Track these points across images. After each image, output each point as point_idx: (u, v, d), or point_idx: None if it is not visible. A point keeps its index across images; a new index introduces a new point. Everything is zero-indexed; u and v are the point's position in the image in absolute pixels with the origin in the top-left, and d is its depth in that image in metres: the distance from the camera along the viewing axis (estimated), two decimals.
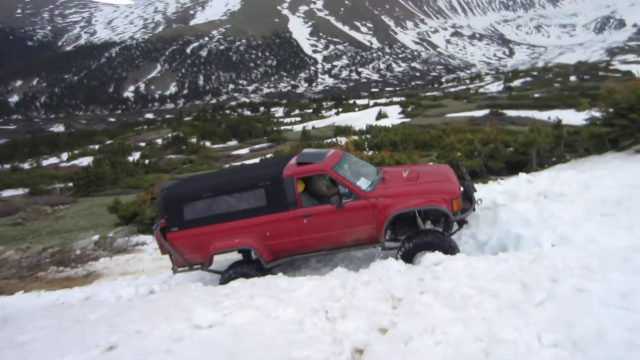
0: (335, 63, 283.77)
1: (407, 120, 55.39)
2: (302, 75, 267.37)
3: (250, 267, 6.77)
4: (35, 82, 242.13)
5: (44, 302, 7.60)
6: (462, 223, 6.90)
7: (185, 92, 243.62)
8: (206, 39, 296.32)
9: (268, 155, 38.72)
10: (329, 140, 41.02)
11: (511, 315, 3.83)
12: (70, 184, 32.66)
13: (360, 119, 59.53)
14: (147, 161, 47.19)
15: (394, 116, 61.93)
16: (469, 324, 3.82)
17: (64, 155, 69.62)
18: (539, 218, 6.28)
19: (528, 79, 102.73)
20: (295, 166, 6.52)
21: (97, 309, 5.99)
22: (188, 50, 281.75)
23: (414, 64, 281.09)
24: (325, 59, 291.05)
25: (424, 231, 6.11)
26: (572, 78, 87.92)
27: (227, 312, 4.85)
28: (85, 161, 54.27)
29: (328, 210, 6.33)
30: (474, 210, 6.70)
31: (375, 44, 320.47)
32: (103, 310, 5.88)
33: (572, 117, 25.17)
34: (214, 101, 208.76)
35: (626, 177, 7.57)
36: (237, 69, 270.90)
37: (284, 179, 6.40)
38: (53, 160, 68.67)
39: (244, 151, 51.90)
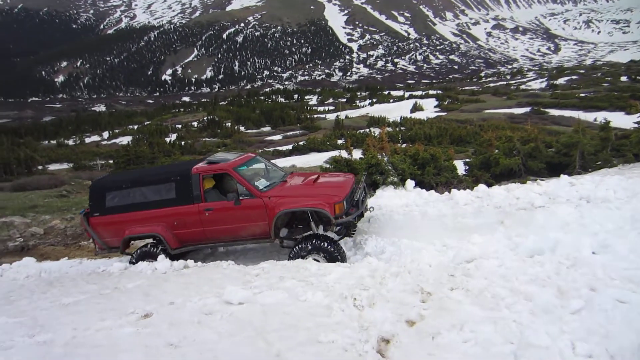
0: (370, 53, 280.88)
1: (443, 114, 54.39)
2: (337, 64, 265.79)
3: (155, 250, 7.46)
4: (79, 64, 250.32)
5: (86, 269, 8.05)
6: (351, 227, 7.70)
7: (220, 76, 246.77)
8: (242, 24, 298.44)
9: (300, 143, 38.86)
10: (362, 131, 40.59)
11: (545, 320, 3.74)
12: (111, 161, 33.79)
13: (394, 111, 58.84)
14: (183, 143, 48.17)
15: (429, 109, 60.99)
16: (499, 325, 3.76)
17: (105, 134, 72.65)
18: (579, 223, 6.06)
19: (574, 76, 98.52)
20: (205, 165, 7.32)
21: (134, 279, 6.34)
22: (224, 36, 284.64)
23: (452, 57, 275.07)
24: (360, 48, 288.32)
25: (315, 235, 6.73)
26: (623, 78, 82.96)
27: (257, 292, 5.01)
28: (125, 140, 55.97)
29: (226, 206, 7.03)
30: (362, 215, 7.49)
31: (413, 34, 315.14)
32: (140, 281, 6.20)
33: (621, 120, 24.11)
34: (248, 87, 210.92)
35: None
36: (272, 56, 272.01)
37: (191, 175, 7.19)
38: (95, 138, 71.36)
39: (277, 137, 52.12)
